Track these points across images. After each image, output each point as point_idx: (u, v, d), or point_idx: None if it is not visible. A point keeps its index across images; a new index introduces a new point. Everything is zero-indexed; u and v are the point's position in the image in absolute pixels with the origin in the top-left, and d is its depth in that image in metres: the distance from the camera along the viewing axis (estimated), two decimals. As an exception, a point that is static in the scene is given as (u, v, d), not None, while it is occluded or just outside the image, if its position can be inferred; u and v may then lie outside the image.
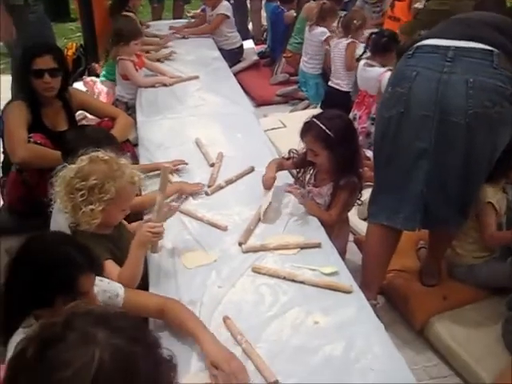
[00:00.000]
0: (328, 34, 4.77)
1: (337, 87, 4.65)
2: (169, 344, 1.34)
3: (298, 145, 2.69)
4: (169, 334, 1.81)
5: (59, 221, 2.21)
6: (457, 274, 2.75)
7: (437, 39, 2.27)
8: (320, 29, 4.90)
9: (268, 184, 2.61)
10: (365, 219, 3.27)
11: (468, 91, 2.11)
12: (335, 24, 4.92)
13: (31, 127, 3.08)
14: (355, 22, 4.52)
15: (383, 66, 3.99)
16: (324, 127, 2.47)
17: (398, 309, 2.70)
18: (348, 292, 2.03)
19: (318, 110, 4.45)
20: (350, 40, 4.51)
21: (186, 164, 2.90)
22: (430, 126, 2.20)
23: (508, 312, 2.38)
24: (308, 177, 2.73)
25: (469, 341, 2.42)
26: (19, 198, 3.16)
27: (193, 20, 6.19)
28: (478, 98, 2.11)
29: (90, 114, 3.57)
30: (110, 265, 1.99)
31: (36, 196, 2.88)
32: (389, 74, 3.65)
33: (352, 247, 3.04)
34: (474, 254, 2.67)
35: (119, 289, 1.80)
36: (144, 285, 2.06)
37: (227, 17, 5.58)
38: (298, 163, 2.74)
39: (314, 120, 2.52)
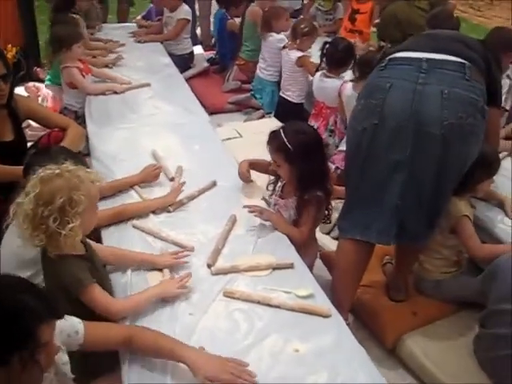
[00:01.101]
0: (285, 41, 4.69)
1: (288, 98, 4.60)
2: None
3: (255, 155, 2.70)
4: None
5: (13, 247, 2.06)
6: (424, 289, 2.72)
7: (409, 52, 2.27)
8: (275, 36, 4.82)
9: (245, 178, 2.72)
10: (328, 233, 3.25)
11: (443, 102, 2.11)
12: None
13: None
14: (302, 26, 4.45)
15: (339, 76, 3.96)
16: (285, 140, 2.42)
17: (368, 326, 2.64)
18: (326, 316, 1.95)
19: (273, 120, 4.39)
20: (300, 53, 4.45)
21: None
22: (405, 137, 2.16)
23: (480, 329, 2.36)
24: (277, 187, 2.67)
25: (442, 358, 2.39)
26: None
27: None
28: (453, 109, 2.10)
29: (38, 123, 3.32)
30: (97, 290, 1.85)
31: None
32: (349, 85, 3.63)
33: (317, 262, 2.97)
34: (442, 270, 2.65)
35: (78, 324, 1.65)
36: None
37: (188, 21, 5.47)
38: (271, 170, 2.66)
39: (279, 130, 2.48)
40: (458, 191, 2.46)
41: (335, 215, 3.18)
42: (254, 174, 2.80)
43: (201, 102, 4.03)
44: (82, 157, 2.59)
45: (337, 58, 3.97)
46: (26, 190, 1.77)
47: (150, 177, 2.73)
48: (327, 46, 4.02)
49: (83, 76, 4.03)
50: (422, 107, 2.13)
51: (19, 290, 1.40)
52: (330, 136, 3.80)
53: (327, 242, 3.17)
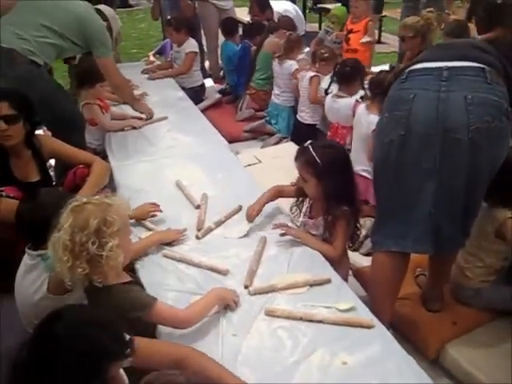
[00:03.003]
0: (296, 66, 4.77)
1: (301, 120, 4.64)
2: None
3: (275, 179, 2.72)
4: None
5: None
6: (463, 298, 2.69)
7: (428, 62, 2.28)
8: (289, 62, 4.90)
9: (249, 216, 2.63)
10: (355, 250, 3.23)
11: (468, 107, 2.11)
12: (303, 56, 4.93)
13: (0, 179, 2.90)
14: (322, 52, 4.55)
15: (351, 95, 4.00)
16: (314, 154, 2.44)
17: (409, 339, 2.60)
18: (369, 327, 1.94)
19: (290, 144, 4.43)
20: (313, 73, 4.52)
21: (161, 211, 2.75)
22: (433, 145, 2.17)
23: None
24: (305, 208, 2.66)
25: (487, 365, 2.35)
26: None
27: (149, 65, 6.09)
28: (478, 114, 2.11)
29: (63, 161, 3.36)
30: (163, 305, 1.90)
31: (9, 255, 2.68)
32: (362, 106, 3.66)
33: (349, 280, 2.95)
34: (482, 278, 2.62)
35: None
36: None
37: (196, 53, 5.59)
38: (298, 192, 2.68)
39: (308, 146, 2.51)
40: (502, 201, 2.48)
41: (363, 233, 3.21)
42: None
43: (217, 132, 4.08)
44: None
45: (345, 75, 4.06)
46: (59, 225, 1.80)
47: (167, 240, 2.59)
48: (337, 67, 4.12)
49: (103, 113, 4.10)
50: (447, 114, 2.13)
51: (94, 324, 1.36)
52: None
53: (357, 258, 3.15)
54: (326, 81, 4.46)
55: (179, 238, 2.56)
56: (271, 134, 5.09)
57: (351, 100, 3.96)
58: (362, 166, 3.54)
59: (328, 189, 2.45)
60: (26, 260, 2.28)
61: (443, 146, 2.15)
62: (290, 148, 4.12)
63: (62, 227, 1.78)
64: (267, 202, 2.71)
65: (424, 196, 2.23)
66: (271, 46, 5.34)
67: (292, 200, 2.76)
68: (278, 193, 2.75)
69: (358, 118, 3.65)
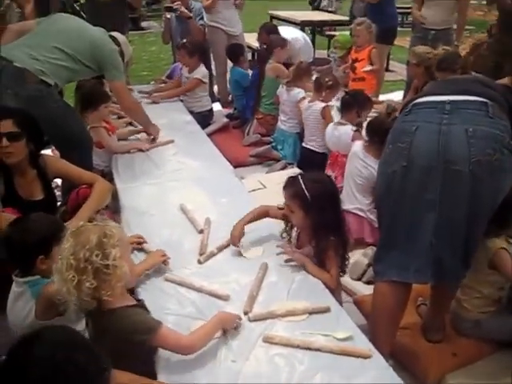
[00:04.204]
0: (303, 94, 4.82)
1: (312, 148, 4.66)
2: None
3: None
4: None
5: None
6: (463, 329, 2.68)
7: (431, 96, 2.34)
8: (297, 89, 4.95)
9: (233, 241, 2.65)
10: (358, 279, 3.23)
11: (469, 140, 2.15)
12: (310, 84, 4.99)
13: (4, 198, 2.94)
14: (326, 80, 4.60)
15: (351, 123, 4.06)
16: (304, 187, 2.46)
17: (409, 369, 2.59)
18: (367, 357, 1.94)
19: (295, 170, 4.44)
20: (323, 104, 4.56)
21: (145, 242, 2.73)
22: (434, 177, 2.21)
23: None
24: (293, 236, 2.69)
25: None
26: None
27: (161, 84, 6.17)
28: (479, 147, 2.14)
29: (67, 180, 3.44)
30: (167, 329, 1.90)
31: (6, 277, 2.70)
32: (359, 143, 3.69)
33: (348, 308, 2.94)
34: (482, 309, 2.62)
35: None
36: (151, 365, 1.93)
37: (203, 82, 5.64)
38: (285, 217, 2.69)
39: (298, 177, 2.54)
40: (494, 230, 2.47)
41: (365, 261, 3.23)
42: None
43: (224, 157, 4.12)
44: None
45: (345, 104, 4.17)
46: (60, 248, 1.83)
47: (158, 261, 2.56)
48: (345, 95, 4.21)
49: (109, 135, 4.15)
50: (448, 147, 2.17)
51: (72, 347, 1.34)
52: None
53: (360, 287, 3.15)
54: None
55: (165, 259, 2.53)
56: (277, 160, 5.13)
57: (351, 129, 4.01)
58: (355, 204, 3.56)
59: (315, 221, 2.47)
60: (14, 288, 2.31)
61: (444, 178, 2.18)
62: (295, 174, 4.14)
63: (63, 250, 1.81)
64: (251, 222, 2.72)
65: (425, 227, 2.25)
66: (273, 70, 5.43)
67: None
68: (264, 213, 2.77)
69: (353, 155, 3.67)
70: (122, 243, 1.88)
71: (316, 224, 2.46)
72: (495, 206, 2.26)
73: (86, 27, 3.83)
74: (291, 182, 2.54)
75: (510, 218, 2.51)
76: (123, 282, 1.86)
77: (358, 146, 3.66)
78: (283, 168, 4.91)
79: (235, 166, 4.77)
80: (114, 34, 4.18)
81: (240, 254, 2.66)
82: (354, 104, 4.05)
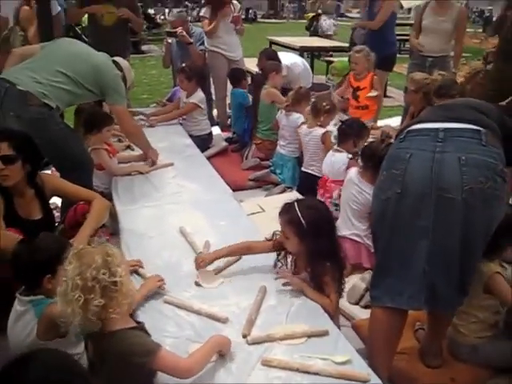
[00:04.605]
0: (302, 119, 4.87)
1: (312, 173, 4.68)
2: None
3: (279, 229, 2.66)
4: None
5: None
6: (460, 354, 2.68)
7: (425, 123, 2.38)
8: (296, 114, 5.00)
9: (197, 264, 2.64)
10: (356, 303, 3.24)
11: (461, 168, 2.18)
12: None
13: (4, 218, 2.95)
14: (324, 104, 4.64)
15: (347, 151, 4.08)
16: (299, 214, 2.48)
17: (406, 394, 2.60)
18: (365, 381, 1.95)
19: (294, 194, 4.48)
20: (323, 129, 4.60)
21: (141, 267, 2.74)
22: (427, 204, 2.23)
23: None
24: (289, 262, 2.70)
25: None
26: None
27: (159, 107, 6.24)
28: (471, 175, 2.17)
29: (65, 199, 3.48)
30: (166, 353, 1.89)
31: (10, 296, 2.71)
32: (354, 169, 3.71)
33: (346, 332, 2.95)
34: (478, 334, 2.63)
35: None
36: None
37: (199, 107, 5.68)
38: (276, 246, 2.70)
39: (294, 204, 2.56)
40: (488, 254, 2.48)
41: (362, 286, 3.23)
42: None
43: (222, 180, 4.15)
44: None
45: (342, 132, 4.19)
46: (64, 269, 1.86)
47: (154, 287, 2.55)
48: (341, 125, 4.26)
49: (110, 157, 4.18)
50: (441, 174, 2.20)
51: (67, 371, 1.36)
52: (337, 210, 3.82)
53: (357, 311, 3.16)
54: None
55: (161, 284, 2.54)
56: (276, 184, 5.14)
57: (347, 157, 4.04)
58: (351, 230, 3.57)
59: (310, 247, 2.49)
60: (17, 306, 2.32)
61: (437, 206, 2.21)
62: (294, 198, 4.12)
63: (67, 271, 1.83)
64: (227, 256, 2.72)
65: (418, 254, 2.27)
66: (268, 96, 5.47)
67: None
68: (246, 249, 2.75)
69: (349, 181, 3.69)
70: (123, 258, 1.92)
71: (311, 250, 2.48)
72: (489, 233, 2.28)
73: (89, 52, 3.89)
74: (287, 209, 2.55)
75: (502, 243, 2.54)
76: (129, 300, 1.89)
77: (353, 172, 3.69)
78: (282, 192, 4.92)
79: (234, 190, 4.78)
80: (117, 59, 4.24)
81: (238, 277, 2.68)
82: (350, 133, 4.09)
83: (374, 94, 5.58)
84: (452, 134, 2.25)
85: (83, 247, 1.92)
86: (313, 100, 4.83)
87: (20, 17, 5.75)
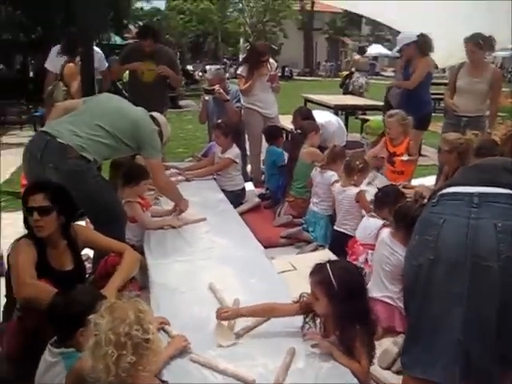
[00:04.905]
0: (336, 177, 4.87)
1: (345, 232, 4.64)
2: None
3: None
4: None
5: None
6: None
7: (459, 187, 2.33)
8: (330, 172, 5.02)
9: (218, 315, 2.68)
10: (387, 368, 3.14)
11: (498, 235, 2.11)
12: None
13: (37, 268, 2.99)
14: (357, 163, 4.65)
15: (382, 218, 4.04)
16: (331, 275, 2.47)
17: None
18: None
19: (326, 252, 4.43)
20: (357, 189, 4.59)
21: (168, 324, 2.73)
22: (462, 272, 2.15)
23: None
24: (317, 324, 2.66)
25: None
26: (19, 348, 2.98)
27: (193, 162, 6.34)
28: (508, 242, 2.10)
29: (97, 250, 3.52)
30: None
31: (36, 344, 2.72)
32: (386, 230, 3.67)
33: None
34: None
35: None
36: None
37: (235, 162, 5.78)
38: (303, 309, 2.67)
39: (326, 264, 2.54)
40: None
41: (395, 350, 3.14)
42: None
43: (254, 237, 4.15)
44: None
45: (378, 200, 4.15)
46: (95, 323, 1.85)
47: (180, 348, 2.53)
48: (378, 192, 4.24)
49: (143, 211, 4.23)
50: (477, 241, 2.14)
51: None
52: None
53: (389, 376, 3.05)
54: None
55: (186, 345, 2.51)
56: (308, 242, 5.09)
57: (380, 222, 3.99)
58: (384, 292, 3.49)
59: (339, 310, 2.46)
60: (47, 356, 2.32)
61: (472, 273, 2.13)
62: (326, 256, 4.09)
63: (99, 325, 1.83)
64: (250, 316, 2.71)
65: (453, 322, 2.18)
66: (309, 155, 5.48)
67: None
68: (269, 311, 2.73)
69: (381, 242, 3.64)
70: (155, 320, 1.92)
71: (341, 313, 2.44)
72: None
73: (128, 107, 4.00)
74: (318, 269, 2.54)
75: None
76: (159, 359, 1.88)
77: (385, 232, 3.64)
78: (314, 250, 4.87)
79: (266, 247, 4.77)
80: (155, 114, 4.34)
81: (266, 338, 2.64)
82: (387, 202, 4.05)
83: (406, 158, 5.50)
84: (487, 200, 2.19)
85: (115, 301, 1.93)
86: (347, 159, 4.82)
87: (64, 73, 5.96)
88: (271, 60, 6.67)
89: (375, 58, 40.08)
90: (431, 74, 6.64)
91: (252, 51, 6.69)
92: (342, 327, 2.46)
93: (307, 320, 2.66)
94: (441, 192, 2.37)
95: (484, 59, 5.96)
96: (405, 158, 5.45)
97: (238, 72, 6.66)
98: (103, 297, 2.44)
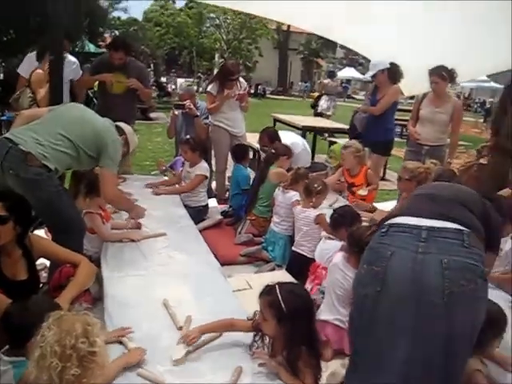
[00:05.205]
0: (298, 197, 4.95)
1: (302, 253, 4.71)
2: None
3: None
4: None
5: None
6: None
7: (409, 217, 2.35)
8: (292, 192, 5.09)
9: (186, 339, 2.66)
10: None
11: (443, 271, 2.15)
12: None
13: None
14: (315, 186, 4.73)
15: (341, 240, 4.08)
16: (280, 297, 2.53)
17: None
18: None
19: (283, 273, 4.49)
20: (316, 211, 4.66)
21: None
22: (408, 305, 2.19)
23: None
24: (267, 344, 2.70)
25: None
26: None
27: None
28: (453, 278, 2.14)
29: (52, 260, 3.51)
30: None
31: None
32: (340, 254, 3.70)
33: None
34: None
35: None
36: None
37: (206, 177, 5.85)
38: (255, 327, 2.72)
39: (275, 286, 2.60)
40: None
41: (343, 372, 3.18)
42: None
43: (213, 253, 4.17)
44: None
45: (335, 221, 4.21)
46: (42, 334, 1.86)
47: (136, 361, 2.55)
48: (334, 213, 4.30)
49: (103, 223, 4.22)
50: (422, 276, 2.17)
51: None
52: (322, 297, 3.78)
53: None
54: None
55: (141, 358, 2.53)
56: (267, 261, 5.15)
57: (338, 244, 4.04)
58: (335, 315, 3.53)
59: (287, 332, 2.51)
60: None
61: (418, 307, 2.17)
62: (283, 277, 4.18)
63: (46, 337, 1.84)
64: (211, 331, 2.76)
65: (396, 355, 2.20)
66: (277, 176, 5.53)
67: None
68: (229, 326, 2.80)
69: (334, 266, 3.68)
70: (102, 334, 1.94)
71: (288, 334, 2.50)
72: (474, 334, 2.22)
73: (92, 117, 4.00)
74: (268, 291, 2.59)
75: (483, 339, 2.48)
76: (104, 372, 1.89)
77: (338, 256, 3.69)
78: (272, 270, 4.92)
79: (224, 264, 4.81)
80: (121, 124, 4.35)
81: (216, 354, 2.67)
82: (343, 222, 4.13)
83: (364, 192, 5.62)
84: (435, 234, 2.22)
85: (64, 313, 1.94)
86: (306, 181, 4.91)
87: (31, 79, 5.92)
88: (241, 79, 6.76)
89: (348, 81, 40.73)
90: (397, 103, 6.81)
91: (222, 70, 6.75)
92: (288, 348, 2.51)
93: (256, 339, 2.71)
94: (391, 221, 2.40)
95: (447, 90, 6.14)
96: (362, 192, 5.59)
97: (208, 89, 6.71)
98: (59, 307, 2.44)
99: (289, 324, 2.48)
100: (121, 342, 2.68)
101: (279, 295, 2.52)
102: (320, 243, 4.31)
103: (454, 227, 2.24)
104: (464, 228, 2.24)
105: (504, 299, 3.42)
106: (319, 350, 2.62)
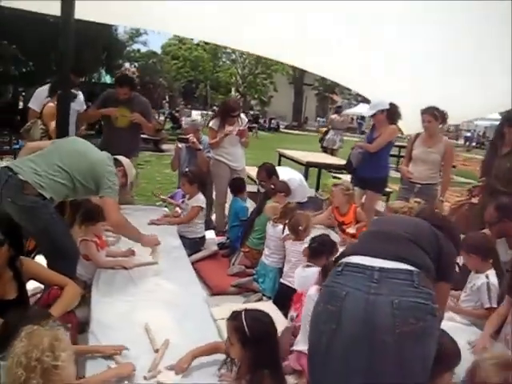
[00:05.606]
0: (287, 232, 5.12)
1: (289, 285, 4.82)
2: None
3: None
4: None
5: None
6: None
7: (363, 257, 2.49)
8: (281, 226, 5.27)
9: (178, 369, 2.85)
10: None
11: (394, 312, 2.27)
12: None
13: None
14: (300, 228, 4.91)
15: (319, 267, 4.17)
16: (244, 322, 2.69)
17: None
18: None
19: (269, 304, 4.63)
20: (306, 245, 4.74)
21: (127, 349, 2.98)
22: (361, 344, 2.30)
23: None
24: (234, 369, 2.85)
25: None
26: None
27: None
28: (403, 318, 2.26)
29: (41, 282, 3.69)
30: None
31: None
32: (315, 287, 3.77)
33: None
34: None
35: None
36: None
37: (202, 209, 6.08)
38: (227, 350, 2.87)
39: (241, 313, 2.76)
40: None
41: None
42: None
43: (206, 283, 4.33)
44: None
45: (313, 250, 4.39)
46: (14, 346, 2.05)
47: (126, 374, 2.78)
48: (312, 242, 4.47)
49: (98, 250, 4.44)
50: (374, 317, 2.29)
51: None
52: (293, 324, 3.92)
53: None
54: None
55: (130, 373, 2.74)
56: (257, 292, 5.28)
57: (316, 270, 4.13)
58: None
59: (251, 356, 2.66)
60: None
61: (371, 346, 2.28)
62: (268, 308, 4.28)
63: (16, 348, 2.03)
64: (201, 355, 2.94)
65: None
66: (271, 210, 5.70)
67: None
68: (216, 348, 2.98)
69: (309, 298, 3.77)
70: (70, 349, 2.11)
71: (251, 358, 2.65)
72: (426, 368, 2.33)
73: (89, 150, 4.24)
74: (234, 317, 2.76)
75: (435, 372, 2.51)
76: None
77: (313, 289, 3.81)
78: (259, 300, 5.07)
79: (216, 294, 5.00)
80: (119, 157, 4.58)
81: (186, 375, 2.85)
82: (322, 250, 4.28)
83: (353, 231, 5.74)
84: (387, 275, 2.36)
85: (36, 328, 2.12)
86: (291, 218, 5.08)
87: (43, 112, 6.20)
88: (242, 115, 7.02)
89: (363, 117, 40.88)
90: (393, 143, 6.92)
91: (224, 106, 7.01)
92: (252, 371, 2.66)
93: (226, 362, 2.88)
94: (346, 260, 2.54)
95: (438, 131, 6.32)
96: (351, 230, 5.73)
97: (210, 125, 6.96)
98: (47, 316, 2.64)
99: (253, 348, 2.64)
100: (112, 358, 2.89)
101: (244, 321, 2.68)
102: (298, 271, 4.43)
103: (404, 268, 2.38)
104: (414, 268, 2.38)
105: (476, 335, 3.54)
106: (283, 375, 2.75)
